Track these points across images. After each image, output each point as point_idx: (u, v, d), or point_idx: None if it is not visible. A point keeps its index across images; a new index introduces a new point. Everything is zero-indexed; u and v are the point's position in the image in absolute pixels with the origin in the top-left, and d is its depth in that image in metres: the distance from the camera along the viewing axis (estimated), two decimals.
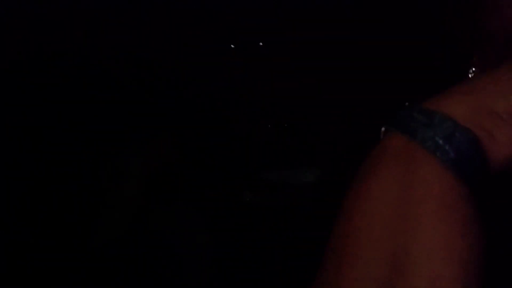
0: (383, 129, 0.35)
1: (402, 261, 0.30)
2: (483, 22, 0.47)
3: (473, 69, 0.51)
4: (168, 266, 1.52)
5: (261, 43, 2.36)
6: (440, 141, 0.32)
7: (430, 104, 0.34)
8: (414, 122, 0.34)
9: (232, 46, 2.37)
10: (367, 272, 0.31)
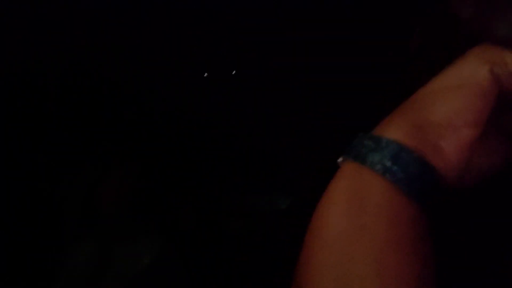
0: (340, 159, 0.37)
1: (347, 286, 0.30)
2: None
3: None
4: None
5: (233, 72, 2.35)
6: (388, 163, 0.33)
7: (378, 129, 0.36)
8: (364, 148, 0.35)
9: (206, 74, 2.35)
10: None
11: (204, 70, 2.55)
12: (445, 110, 0.34)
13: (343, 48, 1.98)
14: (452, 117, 0.33)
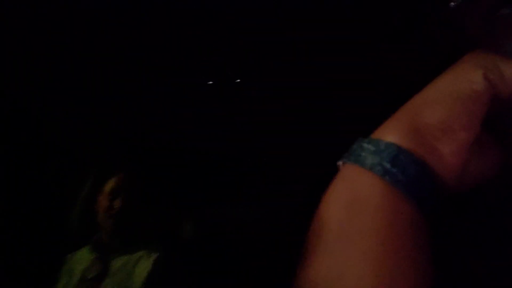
0: (339, 162, 0.36)
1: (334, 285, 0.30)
2: None
3: None
4: None
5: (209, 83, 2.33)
6: (387, 165, 0.33)
7: (377, 133, 0.36)
8: (364, 151, 0.35)
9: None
10: None
11: (208, 77, 2.57)
12: (442, 114, 0.34)
13: (342, 51, 1.98)
14: (448, 120, 0.34)
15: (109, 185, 1.60)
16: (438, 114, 0.34)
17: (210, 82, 2.62)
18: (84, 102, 2.49)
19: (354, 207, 0.33)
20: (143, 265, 1.47)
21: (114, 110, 2.55)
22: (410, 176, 0.33)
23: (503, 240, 0.42)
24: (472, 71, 0.34)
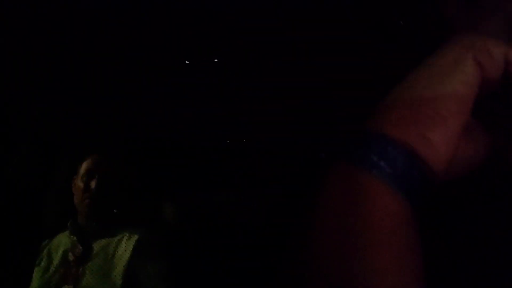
0: (322, 155, 0.35)
1: (346, 274, 0.29)
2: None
3: None
4: None
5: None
6: (375, 158, 0.32)
7: (364, 124, 0.34)
8: (351, 145, 0.33)
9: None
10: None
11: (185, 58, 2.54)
12: (430, 100, 0.33)
13: (328, 44, 1.98)
14: (438, 107, 0.32)
15: (84, 166, 1.57)
16: (427, 100, 0.33)
17: (186, 61, 2.60)
18: (62, 86, 2.43)
19: (341, 204, 0.31)
20: (123, 247, 1.46)
21: (95, 94, 2.51)
22: (398, 168, 0.32)
23: (497, 236, 0.42)
24: (460, 53, 0.33)
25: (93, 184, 1.52)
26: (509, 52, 0.33)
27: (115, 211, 1.55)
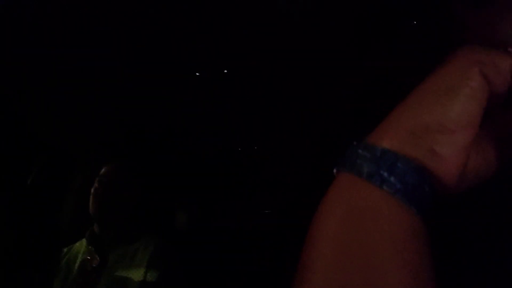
0: (335, 170, 0.35)
1: None
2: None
3: None
4: None
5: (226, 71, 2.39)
6: (385, 174, 0.32)
7: (372, 138, 0.34)
8: (359, 159, 0.33)
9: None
10: None
11: (196, 69, 2.57)
12: (439, 115, 0.32)
13: (333, 50, 1.99)
14: (446, 121, 0.32)
15: (98, 175, 1.61)
16: (435, 115, 0.32)
17: (197, 74, 2.63)
18: (75, 97, 2.48)
19: (351, 219, 0.31)
20: (139, 257, 1.49)
21: (105, 104, 2.54)
22: (409, 184, 0.32)
23: (502, 241, 0.42)
24: (467, 67, 0.33)
25: (100, 193, 1.56)
26: None
27: (125, 219, 1.58)
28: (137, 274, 1.46)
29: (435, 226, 0.33)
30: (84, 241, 1.60)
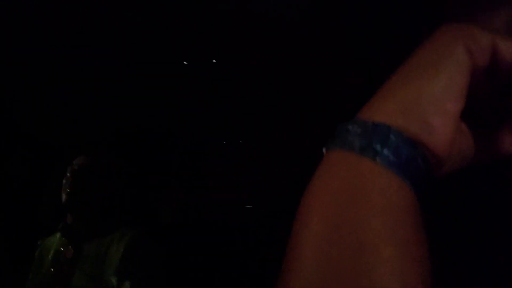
0: (324, 149, 0.34)
1: (349, 271, 0.29)
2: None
3: None
4: None
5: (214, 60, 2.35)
6: (378, 147, 0.32)
7: (362, 113, 0.34)
8: (351, 135, 0.33)
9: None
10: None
11: (184, 58, 2.54)
12: (429, 86, 0.33)
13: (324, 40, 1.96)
14: (436, 93, 0.33)
15: (70, 166, 1.56)
16: (424, 86, 0.33)
17: (185, 63, 2.59)
18: (57, 86, 2.44)
19: (343, 194, 0.31)
20: (114, 248, 1.45)
21: (88, 93, 2.51)
22: (402, 156, 0.32)
23: (497, 234, 0.42)
24: (452, 42, 0.34)
25: (70, 182, 1.51)
26: (495, 39, 0.34)
27: (98, 210, 1.53)
28: (112, 265, 1.41)
29: (431, 218, 0.33)
30: (58, 233, 1.56)
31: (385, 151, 0.31)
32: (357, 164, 0.32)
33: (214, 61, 2.53)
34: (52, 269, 1.47)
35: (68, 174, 1.54)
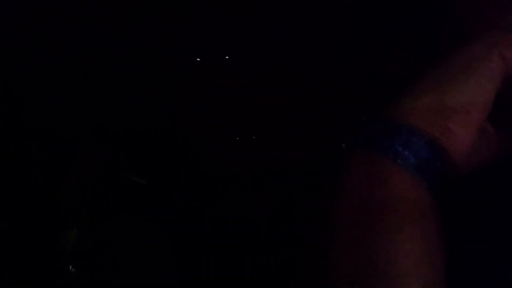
0: (343, 145, 0.35)
1: (368, 275, 0.29)
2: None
3: None
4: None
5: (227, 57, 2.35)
6: (399, 148, 0.32)
7: (386, 112, 0.34)
8: (373, 134, 0.34)
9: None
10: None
11: (197, 55, 2.53)
12: (456, 93, 0.33)
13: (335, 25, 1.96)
14: (463, 100, 0.33)
15: (81, 161, 1.60)
16: (452, 93, 0.33)
17: (198, 59, 2.60)
18: (65, 86, 2.44)
19: (365, 194, 0.32)
20: (122, 241, 1.48)
21: (96, 92, 2.51)
22: (422, 158, 0.32)
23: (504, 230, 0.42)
24: (486, 48, 0.33)
25: (87, 177, 1.55)
26: None
27: (115, 203, 1.57)
28: (125, 254, 1.44)
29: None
30: (76, 226, 1.59)
31: (406, 153, 0.32)
32: (379, 164, 0.32)
33: (227, 57, 2.54)
34: (72, 262, 1.51)
35: (75, 171, 1.58)
